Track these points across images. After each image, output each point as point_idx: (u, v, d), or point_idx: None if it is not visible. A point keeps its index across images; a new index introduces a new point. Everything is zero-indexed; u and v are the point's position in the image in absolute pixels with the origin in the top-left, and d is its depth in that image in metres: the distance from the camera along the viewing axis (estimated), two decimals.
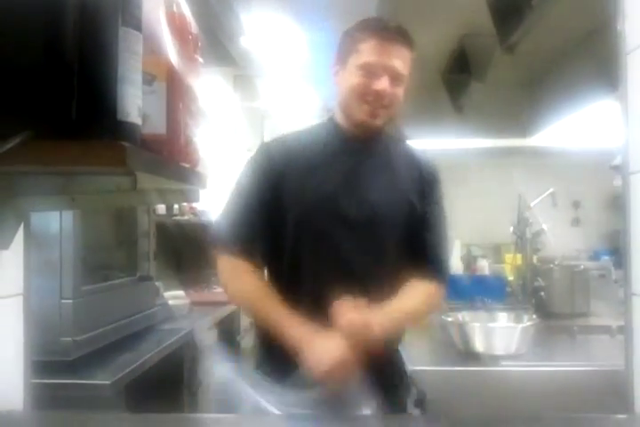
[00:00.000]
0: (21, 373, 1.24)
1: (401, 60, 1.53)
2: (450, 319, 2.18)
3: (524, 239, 3.05)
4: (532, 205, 3.07)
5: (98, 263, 2.12)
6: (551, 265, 2.90)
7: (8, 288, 1.21)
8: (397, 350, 1.65)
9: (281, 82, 4.80)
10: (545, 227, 3.01)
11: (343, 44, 1.59)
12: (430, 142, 3.87)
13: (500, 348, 2.03)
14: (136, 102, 0.76)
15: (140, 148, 0.77)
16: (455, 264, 3.42)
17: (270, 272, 1.60)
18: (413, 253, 1.59)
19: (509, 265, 3.58)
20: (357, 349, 1.36)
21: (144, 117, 0.79)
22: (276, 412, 1.43)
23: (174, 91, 0.89)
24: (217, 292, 3.77)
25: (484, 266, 3.77)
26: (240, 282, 1.55)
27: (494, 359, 2.00)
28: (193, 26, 0.98)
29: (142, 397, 1.88)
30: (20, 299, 1.23)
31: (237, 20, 3.25)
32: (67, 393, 1.70)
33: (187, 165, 0.98)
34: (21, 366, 1.24)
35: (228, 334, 3.45)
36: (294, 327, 1.42)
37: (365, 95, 1.53)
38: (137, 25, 0.76)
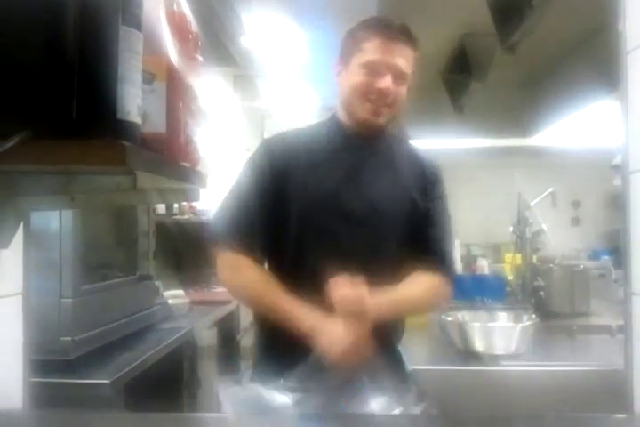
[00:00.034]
0: (21, 372, 1.24)
1: (404, 59, 1.53)
2: (449, 319, 2.18)
3: (524, 239, 3.05)
4: (531, 204, 3.07)
5: (97, 262, 2.12)
6: (551, 265, 2.90)
7: (7, 287, 1.21)
8: (397, 350, 1.65)
9: (281, 82, 4.80)
10: (545, 226, 3.01)
11: (346, 43, 1.59)
12: (430, 142, 3.87)
13: (499, 347, 2.03)
14: (136, 101, 0.76)
15: (140, 147, 0.77)
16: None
17: (270, 268, 1.60)
18: (417, 249, 1.59)
19: (509, 265, 3.58)
20: (366, 330, 1.38)
21: (144, 116, 0.79)
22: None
23: (174, 90, 0.89)
24: (217, 291, 3.77)
25: (484, 265, 3.78)
26: (243, 275, 1.54)
27: (494, 359, 2.00)
28: (193, 25, 0.98)
29: (142, 396, 1.88)
30: (20, 298, 1.23)
31: (238, 20, 3.25)
32: (66, 392, 1.70)
33: (187, 165, 0.98)
34: (21, 365, 1.24)
35: (227, 333, 3.45)
36: (304, 314, 1.43)
37: (368, 93, 1.53)
38: (137, 24, 0.76)
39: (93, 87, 0.72)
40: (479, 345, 2.04)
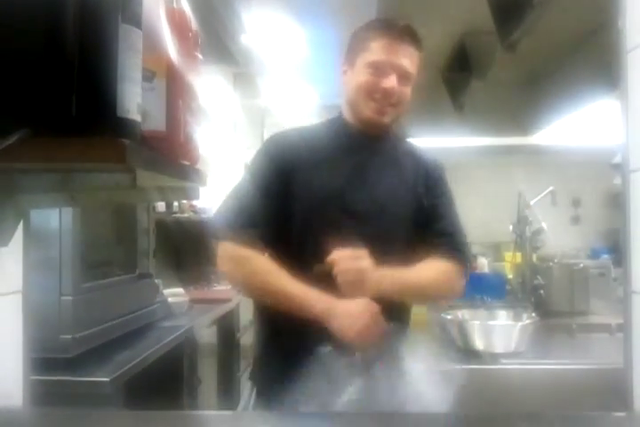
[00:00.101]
0: (20, 370, 1.24)
1: (409, 59, 1.55)
2: (449, 317, 2.18)
3: (524, 237, 3.05)
4: (531, 203, 3.07)
5: (97, 260, 2.12)
6: (551, 263, 2.90)
7: (7, 285, 1.21)
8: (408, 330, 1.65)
9: (281, 80, 4.80)
10: (544, 225, 3.01)
11: (352, 43, 1.61)
12: (430, 141, 3.86)
13: (499, 346, 2.03)
14: (136, 99, 0.76)
15: (139, 145, 0.77)
16: None
17: None
18: (430, 244, 1.59)
19: (509, 263, 3.59)
20: (377, 308, 1.40)
21: (144, 114, 0.79)
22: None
23: (174, 88, 0.89)
24: (217, 289, 3.78)
25: (484, 264, 3.78)
26: (248, 265, 1.53)
27: (494, 357, 2.01)
28: (193, 23, 0.98)
29: (141, 394, 1.88)
30: (19, 296, 1.23)
31: (238, 19, 3.25)
32: (66, 390, 1.70)
33: (187, 163, 0.98)
34: (20, 362, 1.24)
35: (227, 331, 3.45)
36: (315, 299, 1.43)
37: (373, 93, 1.54)
38: (137, 22, 0.76)
39: (93, 85, 0.72)
40: (479, 343, 2.04)
